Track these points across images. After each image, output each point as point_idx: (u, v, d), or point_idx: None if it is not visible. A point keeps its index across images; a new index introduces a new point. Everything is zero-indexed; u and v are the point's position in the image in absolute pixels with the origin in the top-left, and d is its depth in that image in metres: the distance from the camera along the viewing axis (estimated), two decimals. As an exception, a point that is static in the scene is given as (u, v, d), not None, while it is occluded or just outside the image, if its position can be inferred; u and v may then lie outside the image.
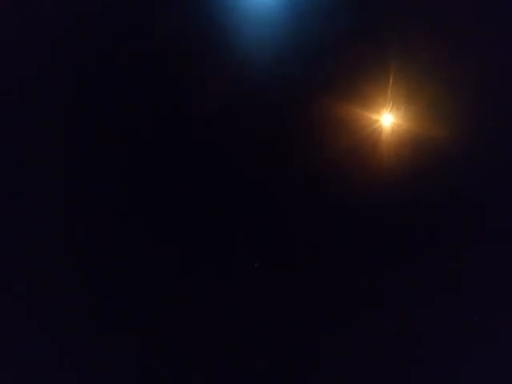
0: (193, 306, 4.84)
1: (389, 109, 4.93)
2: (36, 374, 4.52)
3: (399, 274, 4.89)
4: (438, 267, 4.91)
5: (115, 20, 4.87)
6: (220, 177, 5.02)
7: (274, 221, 5.06)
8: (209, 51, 4.93)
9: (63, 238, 4.82)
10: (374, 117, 4.95)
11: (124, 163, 4.97)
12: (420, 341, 4.86)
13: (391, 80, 4.84)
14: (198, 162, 5.03)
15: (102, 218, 4.87)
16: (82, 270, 4.82)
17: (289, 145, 5.04)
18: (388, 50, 4.81)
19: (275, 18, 4.90)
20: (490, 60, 4.91)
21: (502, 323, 4.82)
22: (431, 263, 4.92)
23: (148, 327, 4.79)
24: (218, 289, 4.90)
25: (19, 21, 4.70)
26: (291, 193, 5.04)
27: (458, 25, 4.87)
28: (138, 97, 4.94)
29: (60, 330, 4.68)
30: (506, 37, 4.91)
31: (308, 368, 4.83)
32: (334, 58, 4.90)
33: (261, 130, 4.98)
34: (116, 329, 4.77)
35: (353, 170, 4.96)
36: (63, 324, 4.69)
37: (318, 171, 5.00)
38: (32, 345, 4.57)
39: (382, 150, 4.96)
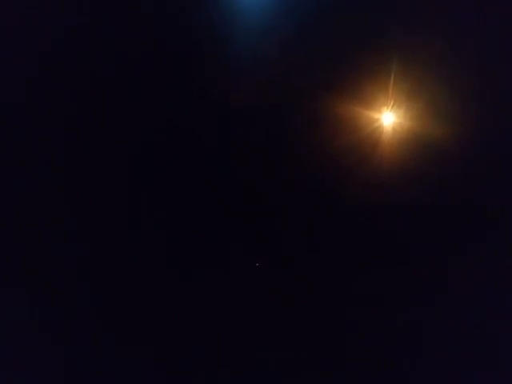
0: (194, 306, 4.86)
1: (390, 107, 4.92)
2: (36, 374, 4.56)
3: (399, 275, 4.89)
4: (438, 267, 4.90)
5: (117, 19, 4.87)
6: (219, 176, 5.03)
7: (273, 220, 5.07)
8: (208, 51, 4.93)
9: (63, 238, 4.84)
10: (375, 115, 4.94)
11: (124, 164, 4.98)
12: (420, 341, 4.87)
13: (392, 78, 4.82)
14: (198, 162, 5.03)
15: (103, 218, 4.89)
16: (82, 270, 4.84)
17: (288, 143, 5.04)
18: (389, 49, 4.79)
19: (275, 17, 4.90)
20: (491, 59, 4.88)
21: (502, 323, 4.82)
22: (432, 263, 4.92)
23: (148, 327, 4.81)
24: (220, 288, 4.91)
25: (19, 21, 4.71)
26: (291, 192, 5.04)
27: (459, 24, 4.85)
28: (137, 97, 4.94)
29: (60, 331, 4.72)
30: (506, 36, 4.88)
31: (308, 368, 4.85)
32: (335, 56, 4.88)
33: (260, 129, 4.98)
34: (115, 329, 4.80)
35: (353, 168, 4.95)
36: (63, 324, 4.72)
37: (318, 170, 4.99)
38: (31, 345, 4.61)
39: (383, 149, 4.95)
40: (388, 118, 4.95)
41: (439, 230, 4.99)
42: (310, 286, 5.00)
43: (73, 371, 4.59)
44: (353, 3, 4.86)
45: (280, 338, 4.87)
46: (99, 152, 4.89)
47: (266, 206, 5.07)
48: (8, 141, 4.68)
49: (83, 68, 4.82)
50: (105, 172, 4.90)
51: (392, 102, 4.90)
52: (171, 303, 4.84)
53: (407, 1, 4.86)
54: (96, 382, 4.62)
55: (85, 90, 4.82)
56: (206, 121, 4.97)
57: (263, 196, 5.05)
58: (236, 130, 5.00)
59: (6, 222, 4.64)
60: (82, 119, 4.85)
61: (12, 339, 4.51)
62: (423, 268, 4.92)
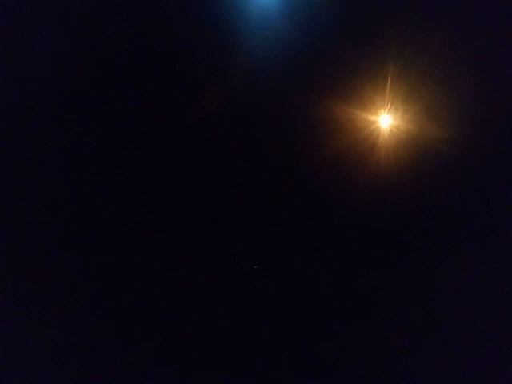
0: (193, 308, 4.86)
1: (387, 110, 4.94)
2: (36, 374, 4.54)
3: (398, 276, 4.89)
4: (437, 269, 4.91)
5: (117, 19, 4.89)
6: (218, 177, 5.04)
7: (271, 222, 5.07)
8: (208, 52, 4.95)
9: (63, 238, 4.84)
10: (372, 118, 4.96)
11: (124, 164, 4.99)
12: (420, 341, 4.86)
13: (389, 81, 4.85)
14: (198, 163, 5.04)
15: (102, 218, 4.89)
16: (82, 271, 4.83)
17: (286, 146, 5.05)
18: (386, 51, 4.82)
19: (273, 18, 4.93)
20: (490, 60, 4.91)
21: (502, 323, 4.82)
22: (430, 265, 4.92)
23: (148, 329, 4.80)
24: (219, 291, 4.91)
25: (19, 21, 4.73)
26: (288, 194, 5.04)
27: (457, 25, 4.88)
28: (137, 97, 4.96)
29: (60, 331, 4.70)
30: (505, 37, 4.91)
31: (308, 369, 4.83)
32: (332, 58, 4.91)
33: (258, 131, 5.00)
34: (115, 330, 4.78)
35: (350, 171, 4.97)
36: (63, 324, 4.71)
37: (315, 173, 5.01)
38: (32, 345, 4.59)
39: (380, 151, 4.97)
40: (385, 121, 4.97)
41: (436, 231, 5.00)
42: (309, 287, 4.99)
43: (72, 371, 4.58)
44: (351, 6, 4.91)
45: (280, 338, 4.86)
46: (99, 152, 4.91)
47: (264, 207, 5.07)
48: (7, 141, 4.69)
49: (82, 67, 4.84)
50: (105, 171, 4.92)
51: (389, 105, 4.92)
52: (171, 304, 4.84)
53: (405, 4, 4.90)
54: (96, 382, 4.60)
55: (85, 90, 4.85)
56: (204, 121, 4.99)
57: (261, 197, 5.06)
58: (234, 133, 5.01)
59: (6, 222, 4.64)
60: (83, 119, 4.87)
61: (12, 339, 4.50)
62: (422, 270, 4.92)
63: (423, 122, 4.92)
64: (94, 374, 4.66)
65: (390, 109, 4.93)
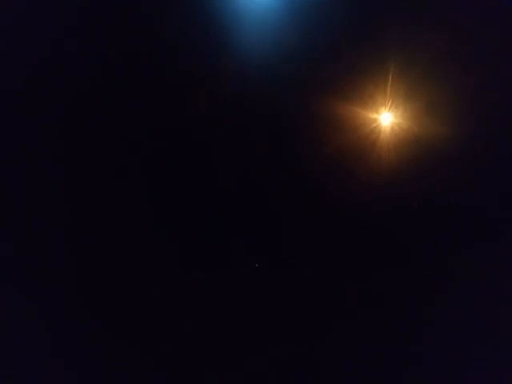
0: (193, 307, 4.85)
1: (388, 107, 4.94)
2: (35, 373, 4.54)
3: (398, 276, 4.88)
4: (437, 268, 4.90)
5: (115, 20, 4.90)
6: (218, 176, 5.04)
7: (271, 220, 5.07)
8: (208, 52, 4.95)
9: (63, 238, 4.84)
10: (373, 116, 4.96)
11: (123, 164, 4.99)
12: (419, 342, 4.85)
13: (390, 79, 4.84)
14: (197, 163, 5.04)
15: (101, 218, 4.89)
16: (81, 271, 4.83)
17: (286, 144, 5.05)
18: (387, 49, 4.82)
19: (273, 17, 4.93)
20: (490, 59, 4.91)
21: (502, 324, 4.81)
22: (431, 264, 4.92)
23: (147, 328, 4.79)
24: (219, 289, 4.90)
25: (19, 21, 4.74)
26: (288, 193, 5.04)
27: (458, 24, 4.88)
28: (137, 98, 4.96)
29: (59, 330, 4.70)
30: (506, 36, 4.92)
31: (308, 370, 4.82)
32: (333, 56, 4.91)
33: (257, 129, 5.00)
34: (114, 330, 4.78)
35: (351, 169, 4.97)
36: (62, 324, 4.71)
37: (316, 170, 5.00)
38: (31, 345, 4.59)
39: (381, 149, 4.97)
40: (386, 119, 4.97)
41: (437, 230, 5.00)
42: (310, 287, 4.99)
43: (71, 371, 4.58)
44: (351, 3, 4.90)
45: (280, 339, 4.85)
46: (99, 153, 4.91)
47: (264, 205, 5.07)
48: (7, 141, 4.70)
49: (80, 69, 4.85)
50: (105, 171, 4.92)
51: (390, 103, 4.92)
52: (170, 304, 4.83)
53: (406, 1, 4.90)
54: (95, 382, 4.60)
55: (81, 91, 4.85)
56: (202, 120, 4.98)
57: (261, 195, 5.06)
58: (233, 131, 5.01)
59: (5, 222, 4.65)
60: (79, 119, 4.87)
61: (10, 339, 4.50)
62: (423, 269, 4.92)
63: (424, 120, 4.92)
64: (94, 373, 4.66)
65: (391, 107, 4.93)
